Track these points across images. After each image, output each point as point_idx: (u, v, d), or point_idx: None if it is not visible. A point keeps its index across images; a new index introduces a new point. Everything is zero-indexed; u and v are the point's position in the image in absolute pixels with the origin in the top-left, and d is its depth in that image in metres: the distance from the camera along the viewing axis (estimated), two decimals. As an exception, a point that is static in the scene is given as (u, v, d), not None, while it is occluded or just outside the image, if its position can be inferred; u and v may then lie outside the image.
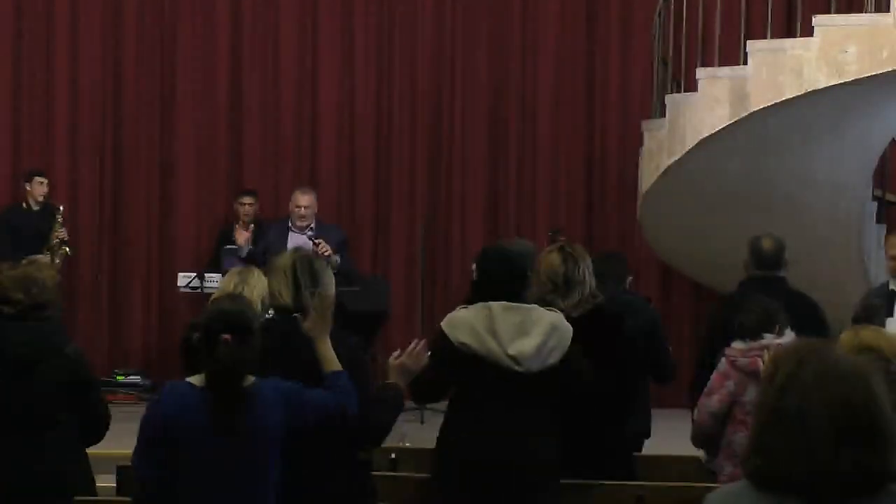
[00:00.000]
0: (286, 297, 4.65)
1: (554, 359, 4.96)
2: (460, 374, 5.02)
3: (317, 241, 9.44)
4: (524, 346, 4.91)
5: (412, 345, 4.44)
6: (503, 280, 5.07)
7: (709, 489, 2.93)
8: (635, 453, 6.07)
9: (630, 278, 7.05)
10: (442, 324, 5.08)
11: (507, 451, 4.94)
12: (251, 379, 4.07)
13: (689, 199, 9.76)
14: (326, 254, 9.22)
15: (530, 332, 4.95)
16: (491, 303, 5.00)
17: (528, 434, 4.98)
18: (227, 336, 4.00)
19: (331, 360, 4.30)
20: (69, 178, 11.08)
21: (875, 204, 10.51)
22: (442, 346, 4.99)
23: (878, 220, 10.58)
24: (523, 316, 4.98)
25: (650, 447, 6.71)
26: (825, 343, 2.45)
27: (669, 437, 6.58)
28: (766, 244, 6.54)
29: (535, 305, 5.08)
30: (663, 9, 10.20)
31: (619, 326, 5.56)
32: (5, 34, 11.16)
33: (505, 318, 4.96)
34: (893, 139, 10.26)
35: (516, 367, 4.91)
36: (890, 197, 10.89)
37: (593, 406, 5.37)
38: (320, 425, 4.17)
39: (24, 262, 5.23)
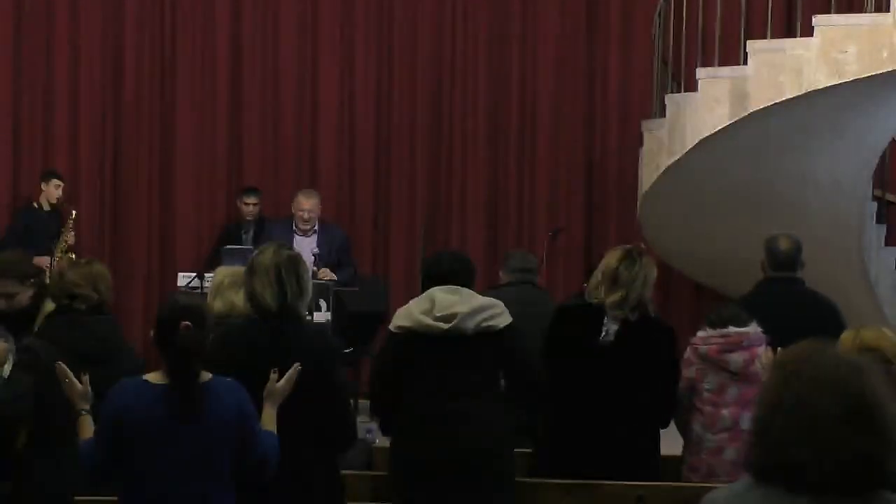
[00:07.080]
0: (269, 300, 4.62)
1: (491, 323, 5.05)
2: (403, 357, 5.11)
3: (321, 269, 9.41)
4: (455, 308, 5.03)
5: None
6: (444, 272, 5.19)
7: (709, 489, 2.93)
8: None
9: None
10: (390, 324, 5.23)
11: (454, 413, 5.01)
12: (207, 375, 4.12)
13: (689, 199, 9.76)
14: (327, 279, 9.25)
15: (466, 303, 5.07)
16: (433, 289, 5.14)
17: (474, 396, 5.05)
18: (186, 322, 4.06)
19: (270, 423, 4.34)
20: (69, 178, 11.06)
21: (875, 204, 10.52)
22: (386, 338, 5.23)
23: (878, 220, 10.59)
24: (462, 294, 5.11)
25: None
26: (829, 342, 2.48)
27: (669, 436, 6.57)
28: (783, 244, 6.41)
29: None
30: (663, 9, 10.20)
31: (671, 339, 5.61)
32: (5, 34, 11.14)
33: (443, 297, 5.09)
34: (893, 139, 10.26)
35: (443, 326, 5.00)
36: (890, 197, 10.90)
37: (633, 411, 5.46)
38: (240, 452, 4.16)
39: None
